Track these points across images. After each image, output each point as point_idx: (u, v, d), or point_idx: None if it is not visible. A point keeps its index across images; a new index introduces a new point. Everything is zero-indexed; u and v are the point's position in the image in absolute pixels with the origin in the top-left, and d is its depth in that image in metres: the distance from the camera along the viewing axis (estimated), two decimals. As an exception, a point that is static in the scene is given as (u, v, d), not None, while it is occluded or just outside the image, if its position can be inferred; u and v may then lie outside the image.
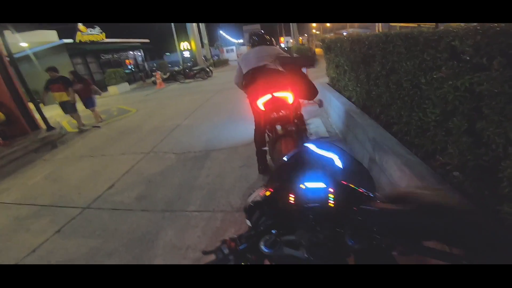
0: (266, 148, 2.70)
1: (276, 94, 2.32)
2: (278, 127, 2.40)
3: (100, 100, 12.97)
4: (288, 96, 2.34)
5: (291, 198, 0.84)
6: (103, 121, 7.66)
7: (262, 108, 2.37)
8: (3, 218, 3.17)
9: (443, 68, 1.67)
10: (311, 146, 1.10)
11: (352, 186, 0.85)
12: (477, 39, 1.41)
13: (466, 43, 1.49)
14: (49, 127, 6.76)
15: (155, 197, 2.99)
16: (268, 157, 2.91)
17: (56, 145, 6.00)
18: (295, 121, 2.53)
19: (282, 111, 2.33)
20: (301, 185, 0.84)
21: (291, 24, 21.24)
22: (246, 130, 4.54)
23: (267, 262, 0.83)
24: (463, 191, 1.57)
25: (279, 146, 2.25)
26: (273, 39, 3.08)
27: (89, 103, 7.53)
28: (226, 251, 0.78)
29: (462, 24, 1.61)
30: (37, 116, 6.98)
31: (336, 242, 0.71)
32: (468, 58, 1.50)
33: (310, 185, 0.84)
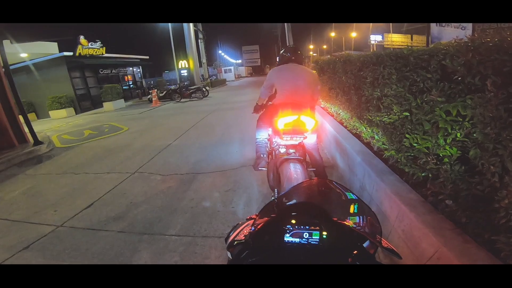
0: (265, 168, 2.54)
1: (302, 118, 2.19)
2: (282, 150, 2.24)
3: (93, 116, 12.99)
4: (310, 122, 2.22)
5: (287, 233, 0.77)
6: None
7: (281, 127, 2.20)
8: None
9: (433, 91, 1.60)
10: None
11: (349, 224, 0.77)
12: (469, 56, 1.32)
13: (457, 61, 1.41)
14: (37, 142, 6.64)
15: (134, 219, 2.83)
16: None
17: (41, 160, 5.83)
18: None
19: (298, 136, 2.19)
20: (293, 220, 0.77)
21: (288, 45, 21.44)
22: (236, 154, 4.49)
23: None
24: (455, 221, 1.48)
25: (284, 171, 2.02)
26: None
27: None
28: None
29: (453, 41, 1.55)
30: (26, 129, 6.84)
31: None
32: (459, 78, 1.42)
33: (303, 221, 0.77)
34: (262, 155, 2.60)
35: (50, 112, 14.58)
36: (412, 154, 1.89)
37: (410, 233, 1.59)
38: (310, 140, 2.33)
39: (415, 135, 1.82)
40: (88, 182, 4.09)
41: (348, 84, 3.34)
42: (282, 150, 2.24)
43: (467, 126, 1.42)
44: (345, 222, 0.77)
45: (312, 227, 0.75)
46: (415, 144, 1.83)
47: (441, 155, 1.60)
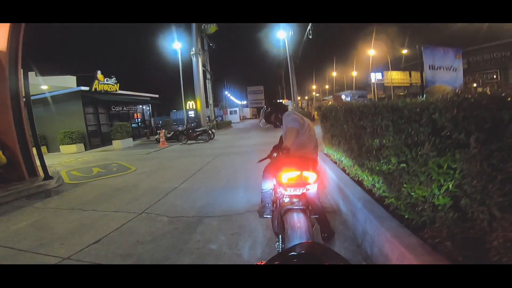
0: (269, 216, 2.68)
1: (305, 173, 2.30)
2: (286, 199, 2.32)
3: (102, 153, 13.26)
4: (312, 176, 2.32)
5: None
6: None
7: (285, 181, 2.31)
8: (-23, 258, 3.01)
9: (426, 144, 1.73)
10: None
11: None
12: (454, 112, 1.36)
13: (445, 116, 1.47)
14: (47, 176, 6.78)
15: (141, 257, 2.87)
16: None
17: (50, 194, 5.94)
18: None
19: (301, 188, 2.29)
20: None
21: (291, 86, 21.63)
22: (241, 199, 4.56)
23: None
24: (453, 260, 1.56)
25: (288, 219, 2.10)
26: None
27: None
28: None
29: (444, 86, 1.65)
30: (38, 162, 7.03)
31: None
32: (448, 133, 1.49)
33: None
34: (267, 204, 2.76)
35: (61, 147, 14.87)
36: (411, 202, 2.02)
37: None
38: (311, 190, 2.48)
39: (412, 185, 1.96)
40: (95, 219, 4.15)
41: (349, 133, 3.51)
42: (286, 200, 2.37)
43: (457, 178, 1.54)
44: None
45: None
46: (412, 193, 1.97)
47: (436, 203, 1.73)
